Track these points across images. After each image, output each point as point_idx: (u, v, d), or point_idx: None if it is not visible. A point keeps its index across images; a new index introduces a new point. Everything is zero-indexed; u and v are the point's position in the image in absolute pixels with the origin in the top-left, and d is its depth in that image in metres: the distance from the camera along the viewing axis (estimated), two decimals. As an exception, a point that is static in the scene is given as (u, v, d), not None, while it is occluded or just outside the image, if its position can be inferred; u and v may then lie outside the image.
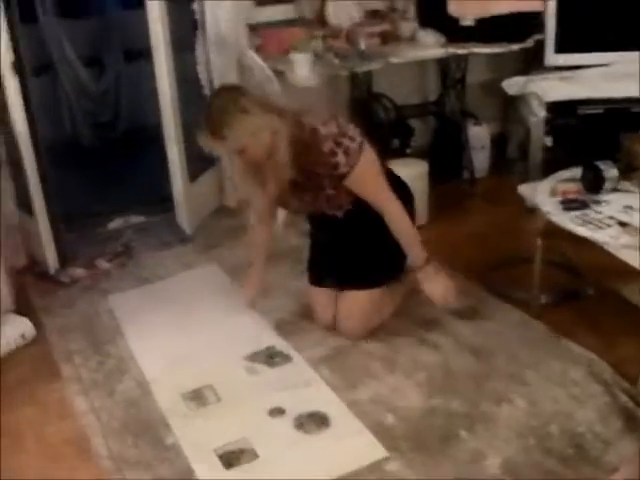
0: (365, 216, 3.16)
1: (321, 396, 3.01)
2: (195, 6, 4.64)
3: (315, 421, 2.86)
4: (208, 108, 2.99)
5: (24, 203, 4.27)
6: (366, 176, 3.02)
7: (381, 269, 3.38)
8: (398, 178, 3.38)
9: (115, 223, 4.92)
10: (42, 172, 4.09)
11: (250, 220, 3.54)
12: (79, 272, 4.23)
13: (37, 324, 3.72)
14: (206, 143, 2.95)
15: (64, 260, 4.30)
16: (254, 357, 3.31)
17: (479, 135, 5.21)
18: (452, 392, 2.98)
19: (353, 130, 3.01)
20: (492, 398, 2.92)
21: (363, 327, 3.35)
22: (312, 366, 3.21)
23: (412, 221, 3.25)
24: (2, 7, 3.72)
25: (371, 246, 3.31)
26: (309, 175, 3.03)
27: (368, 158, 3.01)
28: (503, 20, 4.70)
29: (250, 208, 3.49)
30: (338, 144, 2.93)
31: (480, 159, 5.22)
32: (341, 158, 2.94)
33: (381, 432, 2.77)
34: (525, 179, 4.08)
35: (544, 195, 3.35)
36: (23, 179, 4.10)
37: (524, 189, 3.59)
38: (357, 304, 3.33)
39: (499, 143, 5.42)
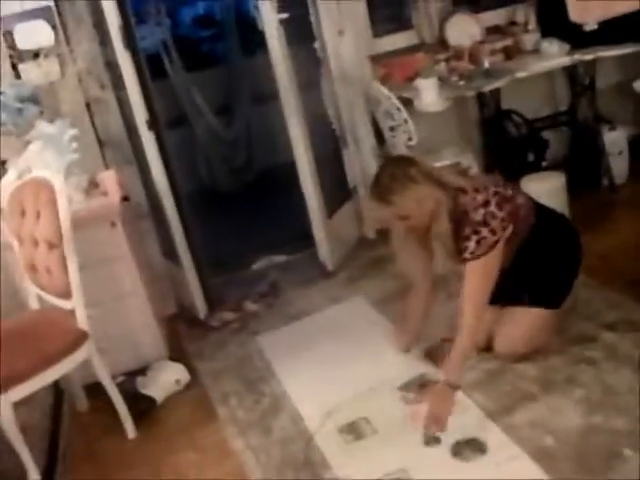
0: (540, 239, 3.20)
1: (476, 422, 2.97)
2: (317, 44, 4.72)
3: (472, 448, 2.82)
4: (378, 175, 3.13)
5: (169, 252, 4.42)
6: (481, 272, 3.04)
7: (552, 291, 3.32)
8: (553, 217, 3.39)
9: (259, 264, 5.02)
10: (184, 221, 4.23)
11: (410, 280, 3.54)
12: (228, 315, 4.34)
13: (191, 369, 3.83)
14: (372, 207, 3.14)
15: (212, 304, 4.42)
16: (407, 386, 3.30)
17: (615, 140, 5.05)
18: (613, 409, 2.88)
19: (498, 222, 3.01)
20: (657, 412, 2.81)
21: (525, 346, 3.27)
22: (465, 392, 3.15)
23: (579, 257, 3.33)
24: (132, 68, 3.88)
25: (543, 267, 3.26)
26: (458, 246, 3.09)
27: (494, 256, 3.02)
28: (627, 19, 4.54)
29: (409, 271, 3.51)
30: (476, 232, 2.99)
31: (619, 165, 5.05)
32: (471, 245, 3.00)
33: (541, 455, 2.71)
34: (669, 181, 3.94)
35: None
36: (166, 229, 4.25)
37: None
38: (522, 322, 3.26)
39: (637, 146, 5.24)
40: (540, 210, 3.29)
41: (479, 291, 3.05)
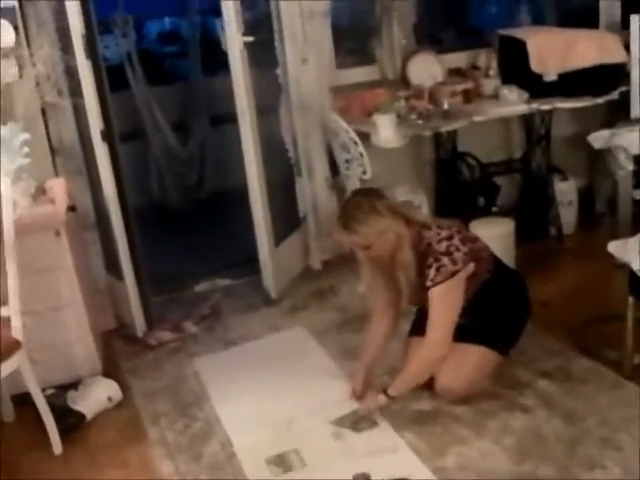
0: (497, 287, 3.30)
1: (407, 462, 2.96)
2: (279, 71, 4.72)
3: (401, 488, 2.80)
4: (346, 203, 3.32)
5: (112, 266, 4.36)
6: (442, 299, 3.13)
7: (503, 337, 3.36)
8: (508, 269, 3.54)
9: (202, 286, 4.97)
10: (130, 236, 4.18)
11: (371, 314, 3.54)
12: (166, 335, 4.29)
13: (124, 387, 3.76)
14: (338, 234, 3.18)
15: (152, 323, 4.36)
16: (340, 422, 3.27)
17: (566, 190, 5.12)
18: (543, 457, 2.89)
19: (462, 255, 3.11)
20: (584, 464, 2.83)
21: (468, 385, 3.27)
22: (398, 431, 3.15)
23: (528, 310, 3.45)
24: (91, 77, 3.84)
25: (497, 314, 3.32)
26: (422, 280, 3.17)
27: (454, 286, 3.11)
28: (586, 73, 4.64)
29: (372, 300, 3.52)
30: (437, 260, 3.09)
31: (567, 215, 5.12)
32: (432, 272, 3.10)
33: (469, 500, 2.70)
34: (614, 235, 3.99)
35: (634, 252, 3.26)
36: (111, 242, 4.20)
37: (613, 247, 3.49)
38: (470, 359, 3.26)
39: (586, 198, 5.32)
40: (497, 260, 3.39)
41: (440, 318, 3.14)
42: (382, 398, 3.19)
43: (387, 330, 3.45)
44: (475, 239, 3.30)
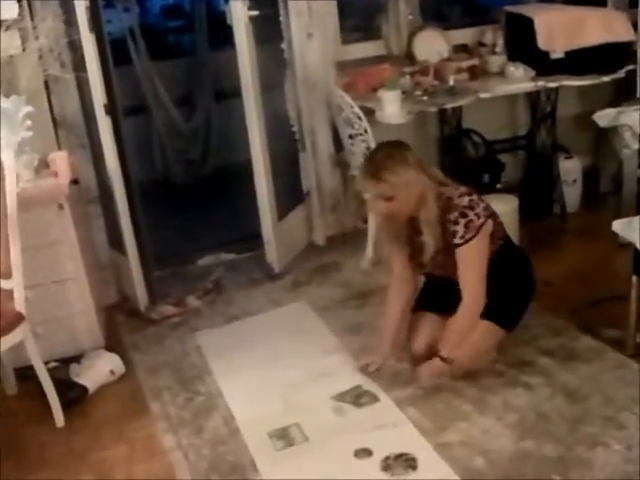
0: (505, 260, 3.27)
1: (408, 438, 2.96)
2: (284, 45, 4.70)
3: (402, 464, 2.81)
4: (373, 153, 3.28)
5: (115, 240, 4.36)
6: (474, 255, 3.14)
7: (508, 312, 3.33)
8: (517, 248, 3.54)
9: (205, 260, 4.97)
10: (133, 210, 4.17)
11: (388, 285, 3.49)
12: (169, 309, 4.28)
13: (126, 360, 3.77)
14: (363, 183, 3.17)
15: (154, 297, 4.36)
16: (341, 397, 3.28)
17: (570, 169, 5.11)
18: (545, 435, 2.89)
19: (482, 209, 3.13)
20: (587, 442, 2.83)
21: (470, 359, 3.26)
22: (399, 407, 3.16)
23: (533, 287, 3.41)
24: (95, 51, 3.82)
25: (504, 288, 3.26)
26: (442, 240, 3.15)
27: (483, 240, 3.14)
28: (593, 52, 4.61)
29: (389, 269, 3.48)
30: (463, 215, 3.09)
31: (572, 193, 5.11)
32: (460, 229, 3.09)
33: (470, 476, 2.71)
34: (618, 214, 3.97)
35: (638, 231, 3.25)
36: (114, 217, 4.19)
37: (618, 225, 3.48)
38: (474, 333, 3.23)
39: (591, 177, 5.30)
40: (506, 234, 3.39)
41: (475, 273, 3.15)
42: (440, 364, 3.18)
43: (407, 298, 3.42)
44: (488, 204, 3.26)
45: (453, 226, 3.09)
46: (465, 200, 3.11)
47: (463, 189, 3.17)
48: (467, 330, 3.19)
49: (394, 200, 3.09)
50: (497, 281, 3.19)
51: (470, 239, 3.08)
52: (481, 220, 3.09)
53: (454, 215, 3.09)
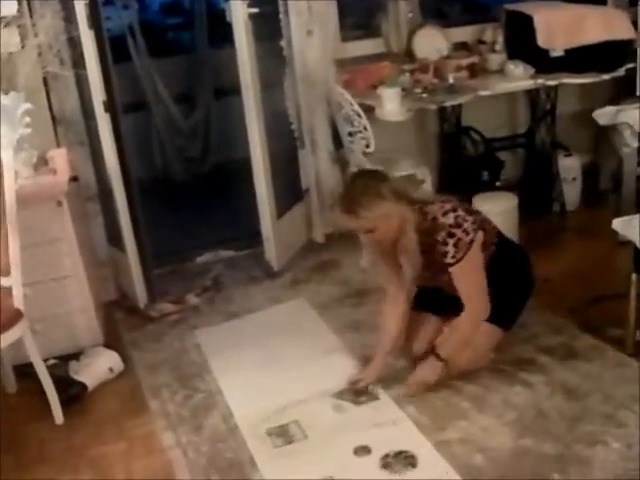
0: (501, 261, 3.26)
1: (408, 436, 2.96)
2: (283, 43, 4.69)
3: (401, 461, 2.81)
4: (348, 187, 3.24)
5: (114, 238, 4.36)
6: (469, 271, 3.12)
7: (506, 312, 3.32)
8: (511, 243, 3.52)
9: (204, 258, 4.97)
10: (132, 207, 4.17)
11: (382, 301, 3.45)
12: (168, 307, 4.28)
13: (125, 358, 3.77)
14: (340, 218, 3.13)
15: (153, 295, 4.36)
16: (341, 395, 3.28)
17: (570, 167, 5.10)
18: (544, 433, 2.89)
19: (470, 224, 3.09)
20: (586, 440, 2.83)
21: (469, 359, 3.25)
22: (399, 405, 3.16)
23: (532, 285, 3.43)
24: (94, 48, 3.81)
25: (501, 288, 3.24)
26: (429, 259, 3.14)
27: (475, 255, 3.11)
28: (593, 49, 4.60)
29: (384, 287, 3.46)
30: (451, 235, 3.06)
31: (571, 191, 5.11)
32: (450, 249, 3.06)
33: (469, 473, 2.71)
34: (618, 212, 3.97)
35: (638, 229, 3.25)
36: (113, 214, 4.18)
37: (617, 224, 3.48)
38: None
39: (591, 175, 5.29)
40: (500, 233, 3.37)
41: (472, 288, 3.15)
42: (436, 364, 3.17)
43: (401, 319, 3.37)
44: (477, 212, 3.29)
45: (443, 247, 3.07)
46: (450, 218, 3.08)
47: (448, 206, 3.12)
48: (469, 335, 3.18)
49: (375, 231, 3.08)
50: (494, 280, 3.19)
51: (461, 258, 3.06)
52: (470, 236, 3.06)
53: (441, 236, 3.06)
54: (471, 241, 3.07)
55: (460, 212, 3.10)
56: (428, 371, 3.20)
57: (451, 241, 3.05)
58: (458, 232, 3.05)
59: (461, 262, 3.07)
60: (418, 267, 3.13)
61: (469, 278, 3.12)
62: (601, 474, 2.64)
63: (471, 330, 3.17)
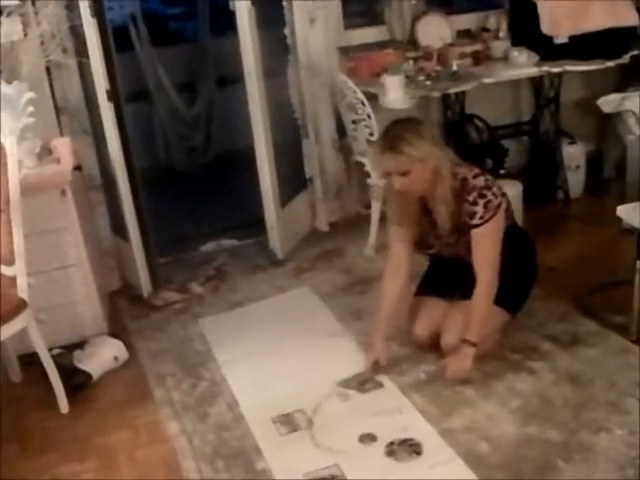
0: (511, 244, 3.23)
1: (413, 423, 2.96)
2: (286, 31, 4.68)
3: (407, 449, 2.81)
4: (389, 127, 3.18)
5: (118, 227, 4.36)
6: (491, 236, 3.13)
7: (514, 296, 3.35)
8: (522, 231, 3.55)
9: (208, 247, 4.98)
10: (136, 196, 4.17)
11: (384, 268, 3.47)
12: (172, 296, 4.28)
13: (130, 347, 3.78)
14: (380, 157, 3.12)
15: (157, 284, 4.37)
16: (346, 383, 3.27)
17: (574, 155, 5.09)
18: (548, 420, 2.89)
19: (497, 189, 3.12)
20: (590, 427, 2.83)
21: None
22: (404, 393, 3.16)
23: (537, 271, 3.45)
24: (97, 36, 3.81)
25: (510, 272, 3.23)
26: (455, 220, 3.15)
27: (500, 220, 3.14)
28: (598, 36, 4.59)
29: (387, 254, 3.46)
30: (482, 196, 3.08)
31: (575, 179, 5.10)
32: (479, 209, 3.09)
33: (474, 461, 2.71)
34: (622, 199, 3.96)
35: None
36: (117, 203, 4.18)
37: (622, 210, 3.47)
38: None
39: (595, 162, 5.28)
40: (513, 218, 3.39)
41: (491, 255, 3.14)
42: (469, 349, 3.14)
43: (402, 283, 3.37)
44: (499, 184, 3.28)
45: (472, 207, 3.08)
46: (481, 180, 3.10)
47: (477, 170, 3.16)
48: (487, 313, 3.17)
49: (409, 175, 3.06)
50: (503, 264, 3.18)
51: (489, 219, 3.08)
52: (498, 200, 3.09)
53: (472, 196, 3.08)
54: (499, 204, 3.09)
55: (488, 176, 3.14)
56: (463, 360, 3.16)
57: (481, 201, 3.07)
58: (489, 194, 3.08)
59: (488, 224, 3.08)
60: (454, 217, 3.13)
61: (490, 243, 3.12)
62: (605, 461, 2.64)
63: (488, 303, 3.15)
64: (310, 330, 3.77)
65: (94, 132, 4.28)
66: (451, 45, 4.89)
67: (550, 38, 4.65)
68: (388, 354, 3.36)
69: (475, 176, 3.12)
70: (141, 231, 4.22)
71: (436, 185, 3.09)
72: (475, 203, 3.07)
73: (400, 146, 3.01)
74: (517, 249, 3.32)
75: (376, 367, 3.32)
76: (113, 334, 3.84)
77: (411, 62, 4.71)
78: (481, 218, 3.07)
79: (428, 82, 4.52)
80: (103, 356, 3.64)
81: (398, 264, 3.36)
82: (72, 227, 3.70)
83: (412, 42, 4.96)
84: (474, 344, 3.13)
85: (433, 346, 3.35)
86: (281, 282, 4.37)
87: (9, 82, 3.58)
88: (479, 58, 4.84)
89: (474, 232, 3.11)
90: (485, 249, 3.12)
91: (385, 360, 3.33)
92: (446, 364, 3.20)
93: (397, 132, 3.08)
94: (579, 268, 4.08)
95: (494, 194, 3.08)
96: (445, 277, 3.38)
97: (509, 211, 3.27)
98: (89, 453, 3.05)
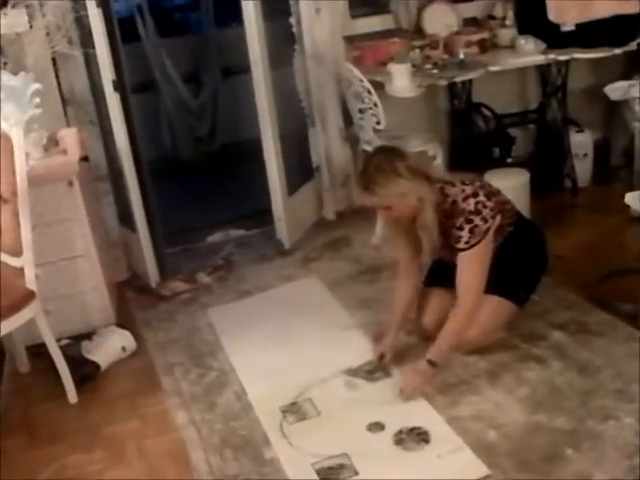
0: (518, 238, 3.27)
1: (421, 412, 2.96)
2: (292, 20, 4.67)
3: (415, 437, 2.81)
4: (366, 163, 3.15)
5: (125, 218, 4.36)
6: (476, 261, 3.09)
7: (521, 288, 3.34)
8: (528, 222, 3.50)
9: (215, 237, 4.98)
10: (143, 187, 4.18)
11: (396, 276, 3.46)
12: (180, 286, 4.29)
13: (138, 337, 3.79)
14: (357, 195, 3.17)
15: (165, 274, 4.38)
16: (354, 372, 3.28)
17: (581, 142, 5.08)
18: (556, 408, 2.89)
19: (489, 210, 3.07)
20: (598, 415, 2.82)
21: (481, 334, 3.23)
22: (412, 381, 3.16)
23: (546, 263, 3.42)
24: (102, 26, 3.80)
25: (517, 265, 3.27)
26: (447, 239, 3.12)
27: (487, 245, 3.09)
28: (605, 24, 4.56)
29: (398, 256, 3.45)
30: (468, 221, 3.04)
31: (583, 167, 5.08)
32: (465, 234, 3.05)
33: (483, 449, 2.71)
34: (630, 187, 3.95)
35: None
36: (124, 194, 4.19)
37: (630, 198, 3.46)
38: (486, 308, 3.19)
39: (602, 150, 5.26)
40: (519, 213, 3.37)
41: (474, 282, 3.11)
42: (427, 368, 3.05)
43: (412, 290, 3.39)
44: (498, 192, 3.25)
45: (458, 232, 3.05)
46: (471, 204, 3.04)
47: (469, 190, 3.07)
48: (461, 331, 3.12)
49: (392, 209, 3.08)
50: (508, 257, 3.19)
51: (474, 245, 3.05)
52: (488, 224, 3.05)
53: (459, 221, 3.04)
54: (487, 229, 3.05)
55: (481, 197, 3.06)
56: (418, 377, 3.07)
57: (467, 227, 3.03)
58: (476, 219, 3.03)
59: (473, 249, 3.05)
60: (437, 245, 3.12)
61: (474, 268, 3.09)
62: (613, 449, 2.64)
63: (463, 321, 3.10)
64: (318, 319, 3.77)
65: (100, 123, 4.28)
66: (457, 33, 4.87)
67: (557, 26, 4.63)
68: (397, 343, 3.36)
69: (465, 198, 3.05)
70: (148, 221, 4.23)
71: (419, 214, 3.07)
72: (461, 228, 3.04)
73: (373, 188, 3.00)
74: (526, 242, 3.33)
75: (381, 360, 3.32)
76: (121, 324, 3.85)
77: (417, 51, 4.70)
78: (466, 243, 3.05)
79: (435, 71, 4.51)
80: (111, 346, 3.65)
81: (407, 269, 3.38)
82: (79, 218, 3.71)
83: (418, 31, 4.93)
84: (434, 364, 3.05)
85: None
86: (288, 271, 4.38)
87: (15, 73, 3.57)
88: (486, 46, 4.82)
89: (460, 255, 3.08)
90: (469, 274, 3.09)
91: (390, 357, 3.32)
92: (403, 378, 3.14)
93: (371, 173, 3.02)
94: (587, 256, 4.07)
95: (483, 218, 3.03)
96: (451, 268, 3.37)
97: (508, 217, 3.25)
98: (97, 443, 3.06)
